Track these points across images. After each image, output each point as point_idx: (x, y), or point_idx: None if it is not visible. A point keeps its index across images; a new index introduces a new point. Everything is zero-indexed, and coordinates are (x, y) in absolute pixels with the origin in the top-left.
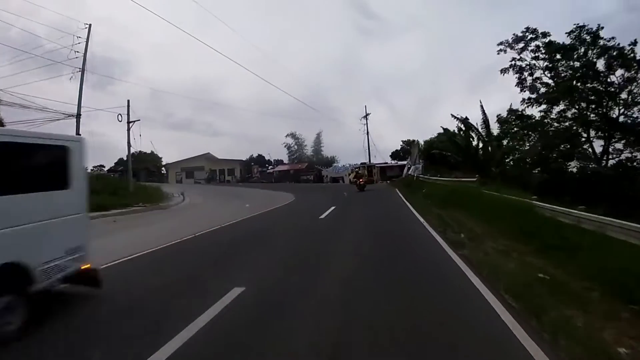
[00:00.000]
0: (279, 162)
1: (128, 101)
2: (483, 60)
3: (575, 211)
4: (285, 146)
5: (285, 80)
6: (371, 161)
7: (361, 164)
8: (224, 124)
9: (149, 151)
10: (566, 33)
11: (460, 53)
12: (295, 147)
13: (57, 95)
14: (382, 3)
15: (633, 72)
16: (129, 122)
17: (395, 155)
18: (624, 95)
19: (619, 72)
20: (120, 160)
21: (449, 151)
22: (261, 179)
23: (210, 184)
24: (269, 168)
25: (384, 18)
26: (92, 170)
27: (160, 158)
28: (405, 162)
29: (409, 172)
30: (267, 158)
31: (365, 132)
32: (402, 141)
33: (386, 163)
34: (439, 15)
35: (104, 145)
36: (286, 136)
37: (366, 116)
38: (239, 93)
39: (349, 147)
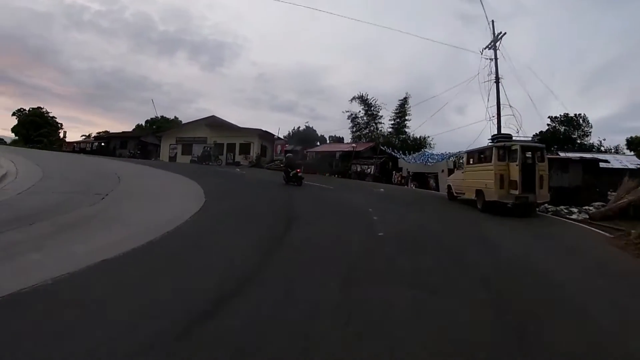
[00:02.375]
0: (338, 139)
1: None
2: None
3: None
4: (348, 116)
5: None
6: (512, 136)
7: (494, 137)
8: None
9: (172, 117)
10: None
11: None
12: (365, 119)
13: None
14: None
15: None
16: None
17: (543, 139)
18: None
19: None
20: (139, 126)
21: None
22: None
23: (207, 164)
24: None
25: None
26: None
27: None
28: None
29: None
30: (319, 134)
31: (493, 75)
32: (555, 117)
33: (558, 155)
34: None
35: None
36: (351, 100)
37: (495, 41)
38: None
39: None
